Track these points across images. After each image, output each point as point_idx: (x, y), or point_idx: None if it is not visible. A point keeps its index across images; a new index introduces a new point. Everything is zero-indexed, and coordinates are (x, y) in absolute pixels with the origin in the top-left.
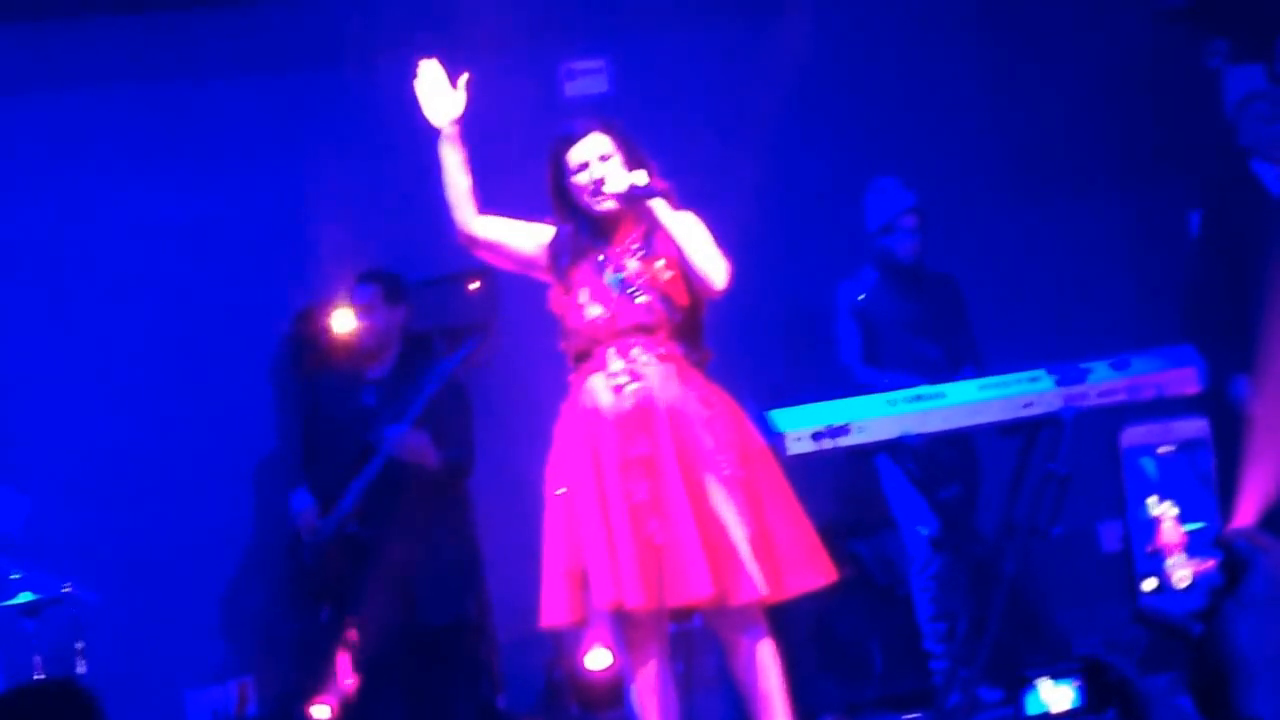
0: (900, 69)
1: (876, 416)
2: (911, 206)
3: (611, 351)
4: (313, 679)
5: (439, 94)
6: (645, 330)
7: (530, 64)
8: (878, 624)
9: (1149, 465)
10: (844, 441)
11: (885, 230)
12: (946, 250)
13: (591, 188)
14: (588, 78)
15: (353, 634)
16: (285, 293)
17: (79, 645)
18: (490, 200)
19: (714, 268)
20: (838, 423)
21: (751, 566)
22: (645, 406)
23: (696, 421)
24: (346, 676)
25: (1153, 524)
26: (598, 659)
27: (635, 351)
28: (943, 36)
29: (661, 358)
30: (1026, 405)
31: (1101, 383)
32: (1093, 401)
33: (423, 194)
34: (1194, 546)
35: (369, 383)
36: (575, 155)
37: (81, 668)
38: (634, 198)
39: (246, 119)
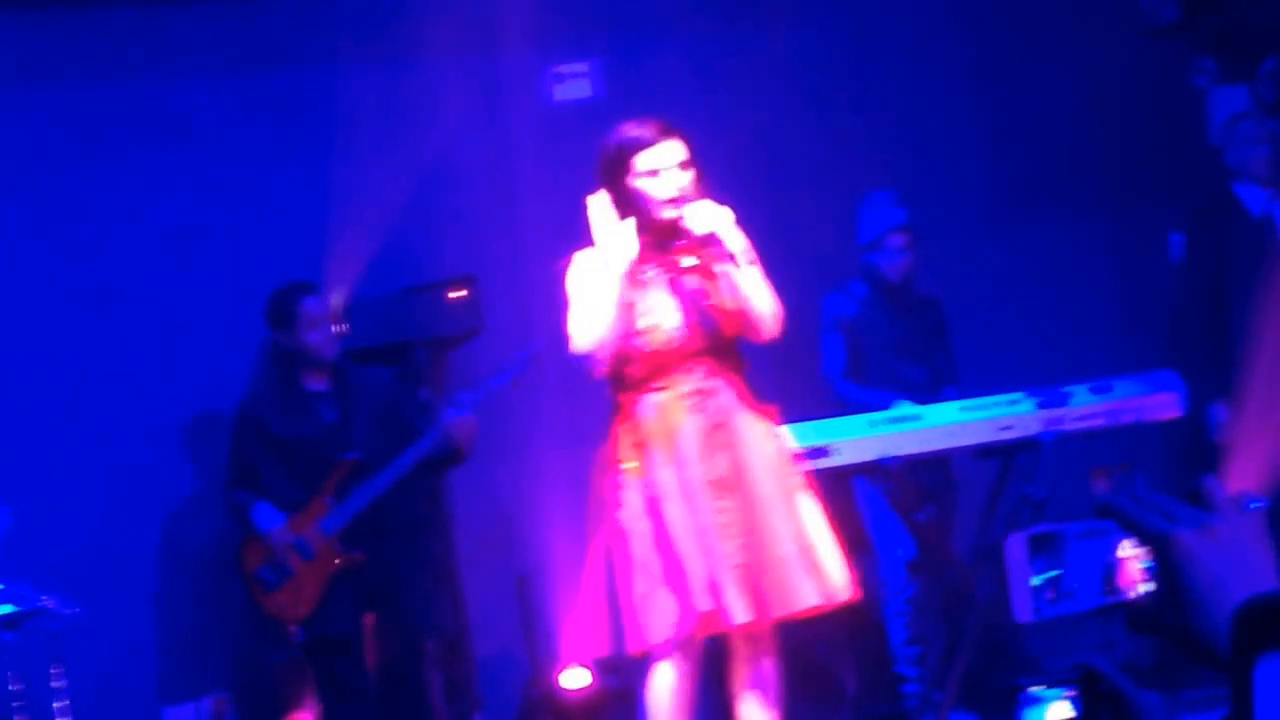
0: (888, 86)
1: (855, 438)
2: (901, 224)
3: (681, 369)
4: (284, 699)
5: (616, 234)
6: (712, 351)
7: (517, 67)
8: (851, 647)
9: None
10: (824, 463)
11: (873, 246)
12: (929, 270)
13: (670, 195)
14: (574, 81)
15: (323, 656)
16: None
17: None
18: (479, 201)
19: (770, 319)
20: (817, 444)
21: (830, 572)
22: (723, 425)
23: (764, 435)
24: (319, 696)
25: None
26: (574, 678)
27: (703, 369)
28: (930, 54)
29: (726, 375)
30: (1005, 428)
31: (1081, 407)
32: (1072, 425)
33: (407, 200)
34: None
35: (318, 398)
36: (648, 160)
37: (59, 682)
38: (712, 244)
39: (230, 120)
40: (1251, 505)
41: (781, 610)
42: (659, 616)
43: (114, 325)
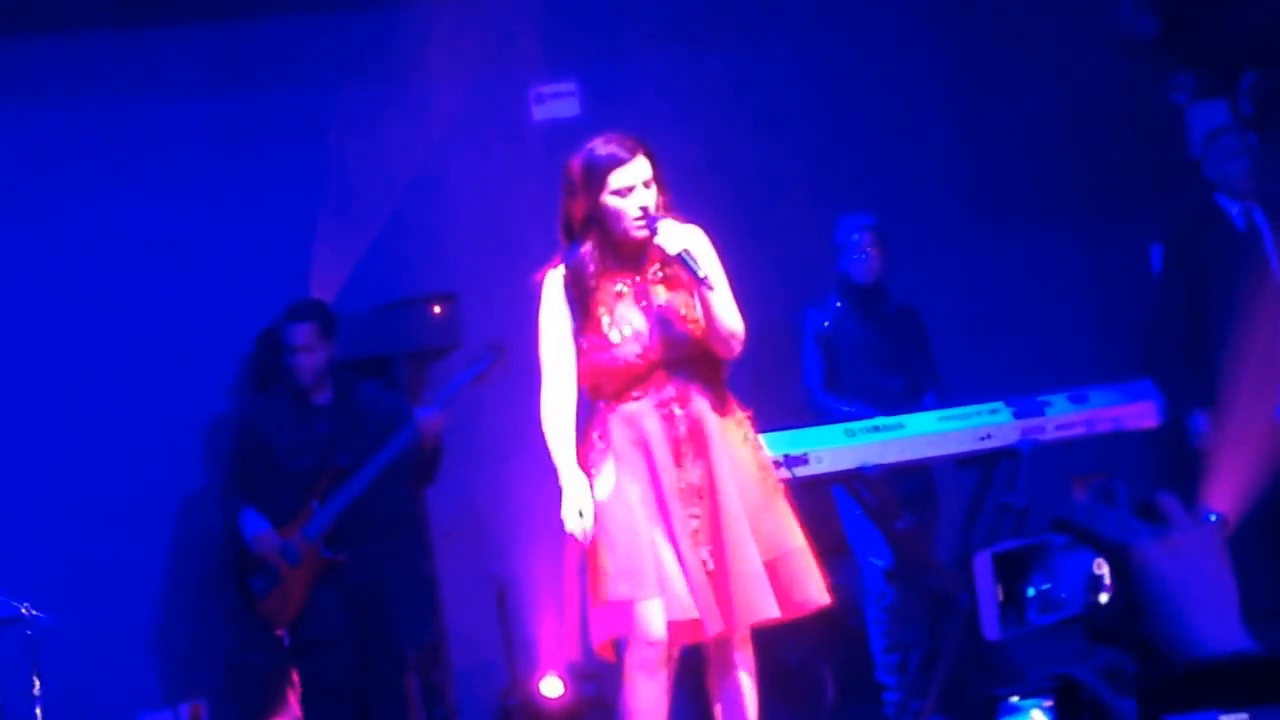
0: (868, 101)
1: (835, 446)
2: (866, 224)
3: (653, 380)
4: (266, 703)
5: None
6: (684, 362)
7: (499, 87)
8: (831, 654)
9: None
10: (802, 471)
11: (842, 249)
12: (910, 281)
13: (637, 214)
14: (557, 100)
15: (309, 659)
16: (248, 313)
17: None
18: (460, 218)
19: (736, 340)
20: (796, 452)
21: (811, 576)
22: (696, 432)
23: (740, 442)
24: (299, 702)
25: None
26: (551, 686)
27: (675, 378)
28: (909, 70)
29: (699, 381)
30: (985, 438)
31: (1060, 416)
32: (1051, 435)
33: (386, 216)
34: None
35: (316, 410)
36: (620, 178)
37: (36, 689)
38: (682, 265)
39: (212, 138)
40: (1208, 517)
41: (755, 617)
42: (627, 624)
43: (97, 338)
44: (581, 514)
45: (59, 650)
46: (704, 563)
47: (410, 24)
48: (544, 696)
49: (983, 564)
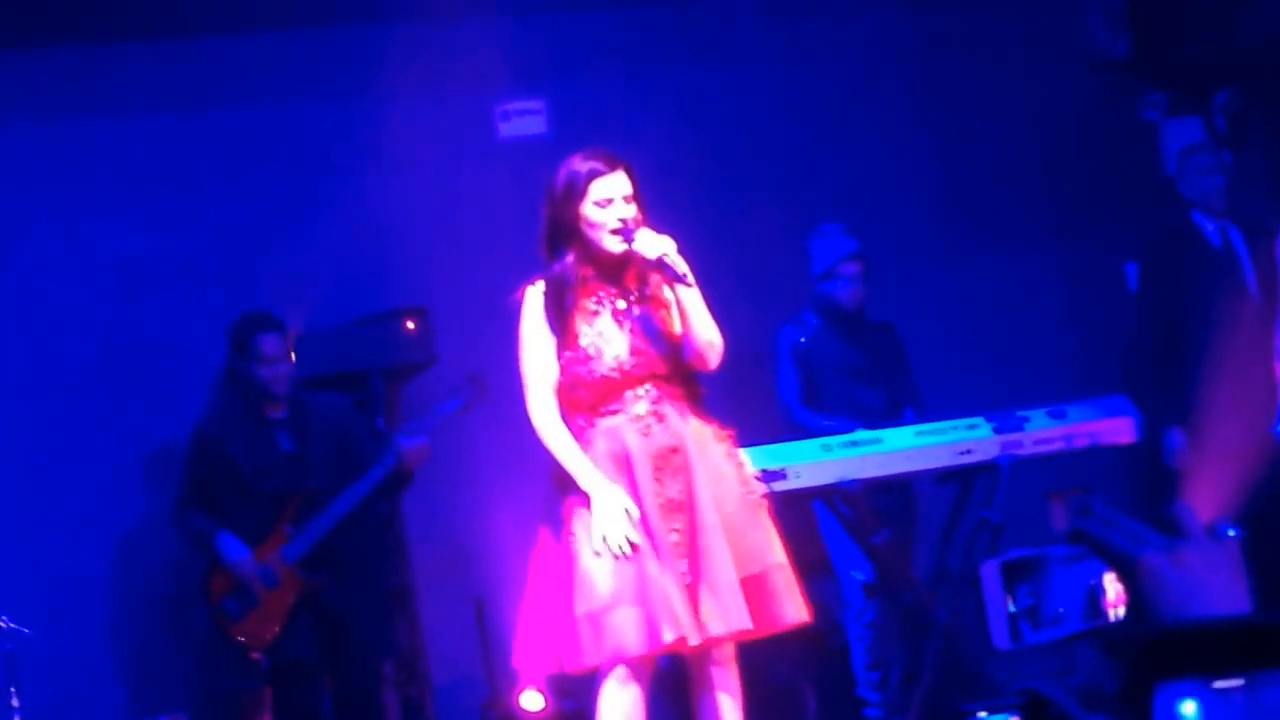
0: (841, 118)
1: (813, 462)
2: (853, 253)
3: (631, 395)
4: (246, 715)
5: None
6: (662, 376)
7: (467, 104)
8: (812, 671)
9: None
10: (780, 486)
11: (827, 276)
12: (888, 299)
13: (615, 226)
14: (524, 118)
15: (286, 682)
16: (219, 330)
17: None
18: (433, 234)
19: (714, 349)
20: (774, 468)
21: (791, 593)
22: (675, 447)
23: (722, 457)
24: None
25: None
26: (531, 700)
27: (653, 394)
28: (882, 87)
29: (677, 398)
30: (964, 452)
31: (1039, 431)
32: (1029, 450)
33: (359, 231)
34: None
35: (274, 424)
36: (601, 189)
37: (15, 701)
38: (662, 267)
39: (183, 154)
40: (1227, 532)
41: (727, 628)
42: (608, 637)
43: (68, 354)
44: (628, 513)
45: (39, 664)
46: (682, 575)
47: (377, 42)
48: (524, 711)
49: (990, 574)
